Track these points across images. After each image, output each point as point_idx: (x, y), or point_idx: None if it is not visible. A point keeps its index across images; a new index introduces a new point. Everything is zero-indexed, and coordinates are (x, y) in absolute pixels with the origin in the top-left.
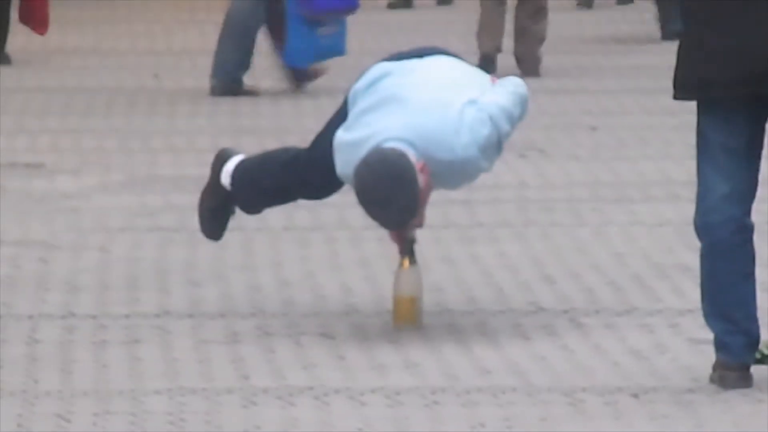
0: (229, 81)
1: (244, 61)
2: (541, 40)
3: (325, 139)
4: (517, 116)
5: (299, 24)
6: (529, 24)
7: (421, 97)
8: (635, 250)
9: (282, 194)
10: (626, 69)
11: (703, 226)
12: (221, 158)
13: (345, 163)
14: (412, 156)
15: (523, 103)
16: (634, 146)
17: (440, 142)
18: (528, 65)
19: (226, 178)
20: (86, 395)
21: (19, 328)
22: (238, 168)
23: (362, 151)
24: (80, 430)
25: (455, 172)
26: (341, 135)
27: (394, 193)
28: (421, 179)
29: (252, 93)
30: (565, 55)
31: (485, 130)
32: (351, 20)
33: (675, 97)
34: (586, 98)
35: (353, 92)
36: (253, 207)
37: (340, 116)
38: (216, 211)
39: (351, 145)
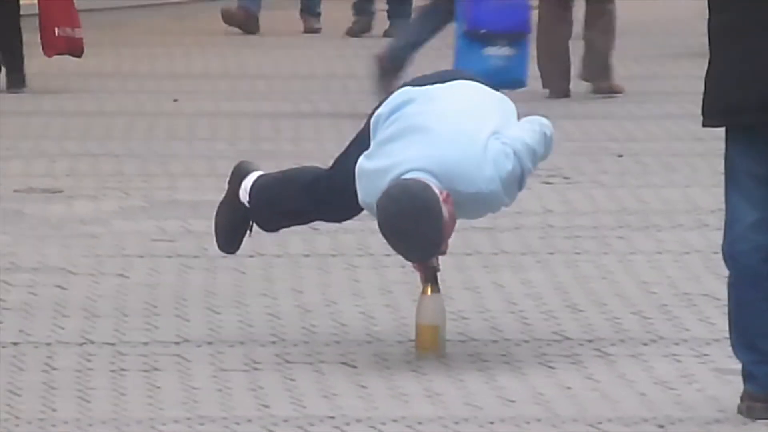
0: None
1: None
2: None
3: (345, 163)
4: (540, 155)
5: (466, 42)
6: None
7: (444, 127)
8: (661, 279)
9: (301, 216)
10: (652, 95)
11: (730, 255)
12: (239, 173)
13: (367, 192)
14: (435, 187)
15: (548, 144)
16: (660, 173)
17: (463, 174)
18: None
19: (244, 195)
20: (104, 424)
21: (37, 356)
22: (257, 186)
23: (385, 181)
24: None
25: (477, 205)
26: (363, 163)
27: (418, 225)
28: (446, 210)
29: None
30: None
31: (509, 165)
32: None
33: (704, 125)
34: (611, 124)
35: (375, 118)
36: (271, 226)
37: (361, 140)
38: (232, 226)
39: (373, 174)
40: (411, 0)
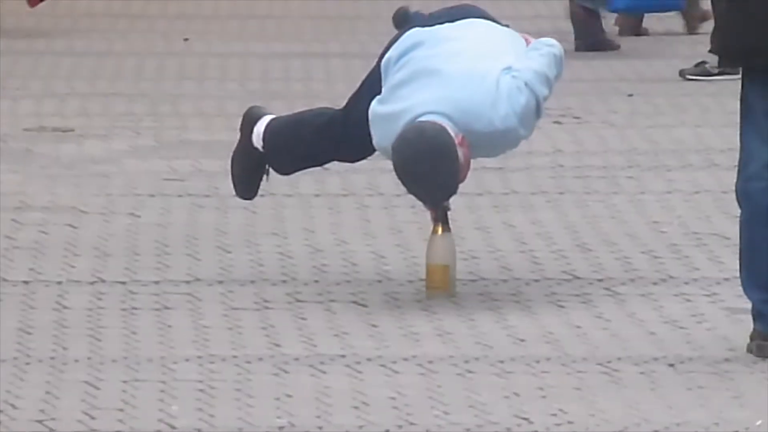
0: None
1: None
2: None
3: (358, 104)
4: (553, 77)
5: None
6: None
7: (455, 68)
8: (671, 218)
9: (316, 157)
10: (662, 35)
11: (743, 193)
12: (250, 118)
13: (382, 136)
14: (451, 130)
15: (558, 63)
16: (671, 113)
17: (478, 114)
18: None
19: (257, 140)
20: (115, 362)
21: (48, 295)
22: (270, 130)
23: (399, 124)
24: (109, 397)
25: (495, 143)
26: (376, 107)
27: (435, 168)
28: (461, 153)
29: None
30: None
31: (522, 98)
32: None
33: (719, 65)
34: (621, 65)
35: (385, 61)
36: (287, 169)
37: (372, 81)
38: (248, 172)
39: (387, 118)
40: None
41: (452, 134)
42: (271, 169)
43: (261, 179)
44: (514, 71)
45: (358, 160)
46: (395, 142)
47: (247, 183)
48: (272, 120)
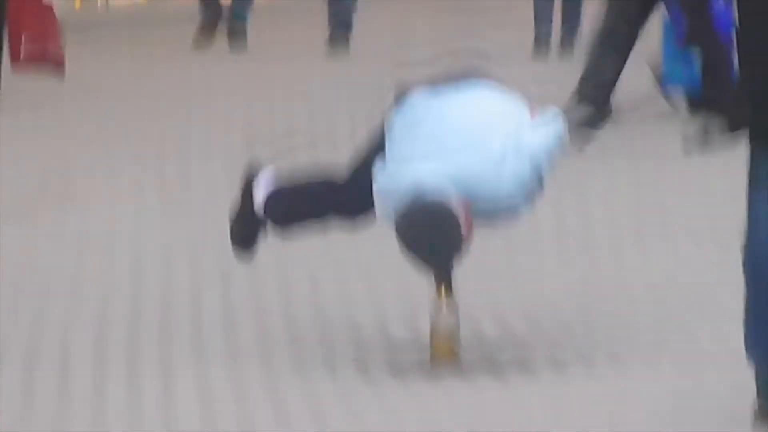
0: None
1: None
2: None
3: (361, 170)
4: (557, 153)
5: (676, 48)
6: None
7: (459, 137)
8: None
9: (317, 223)
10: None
11: (750, 263)
12: (249, 183)
13: (385, 206)
14: (454, 203)
15: (563, 140)
16: (678, 183)
17: (482, 186)
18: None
19: (258, 206)
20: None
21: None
22: (271, 197)
23: (403, 199)
24: None
25: (497, 211)
26: (380, 179)
27: (439, 243)
28: (464, 225)
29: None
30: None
31: (526, 172)
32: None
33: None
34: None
35: (390, 126)
36: (287, 232)
37: (376, 145)
38: (248, 234)
39: (390, 189)
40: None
41: (456, 205)
42: (270, 230)
43: (259, 241)
44: (519, 144)
45: (360, 222)
46: (398, 216)
47: (246, 245)
48: (273, 185)
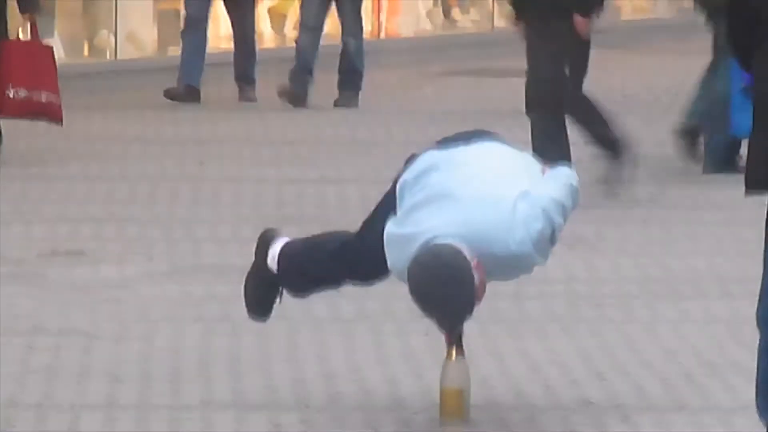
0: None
1: None
2: None
3: (372, 227)
4: (569, 208)
5: (744, 98)
6: None
7: (471, 192)
8: (686, 347)
9: (330, 281)
10: (675, 160)
11: (765, 321)
12: (265, 240)
13: (396, 258)
14: (466, 253)
15: (575, 194)
16: (685, 241)
17: (494, 238)
18: None
19: (272, 263)
20: None
21: (61, 419)
22: (284, 254)
23: (414, 247)
24: None
25: (510, 267)
26: (392, 229)
27: (450, 292)
28: (477, 277)
29: None
30: None
31: (539, 225)
32: (390, 109)
33: (746, 193)
34: (636, 190)
35: (401, 184)
36: (300, 291)
37: (387, 204)
38: (262, 293)
39: (402, 240)
40: (360, 73)
41: (468, 257)
42: (284, 291)
43: (274, 301)
44: (531, 197)
45: (372, 283)
46: (411, 265)
47: (260, 304)
48: (287, 243)
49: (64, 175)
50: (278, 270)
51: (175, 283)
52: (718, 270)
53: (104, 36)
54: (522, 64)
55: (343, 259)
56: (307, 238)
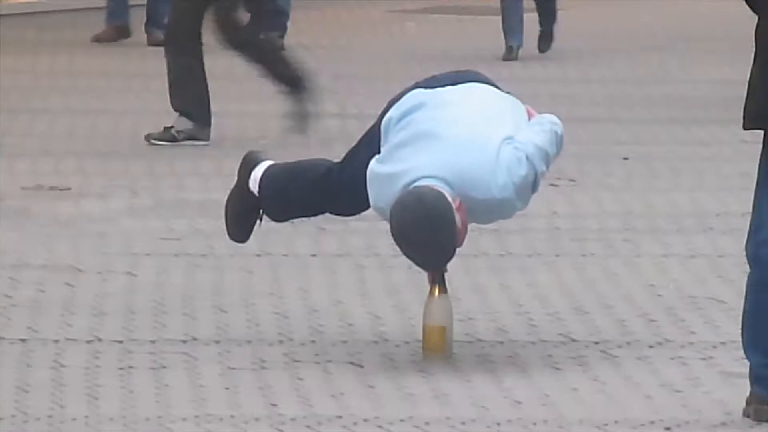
0: None
1: None
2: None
3: (355, 160)
4: (552, 155)
5: None
6: None
7: (456, 133)
8: (667, 282)
9: (310, 208)
10: (658, 98)
11: (754, 258)
12: (248, 163)
13: (379, 196)
14: (448, 195)
15: (559, 142)
16: (667, 177)
17: (476, 181)
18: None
19: (253, 185)
20: (112, 421)
21: (45, 353)
22: (267, 177)
23: (397, 186)
24: None
25: (490, 211)
26: (375, 167)
27: (432, 234)
28: (459, 219)
29: None
30: (596, 84)
31: (522, 170)
32: (379, 44)
33: (744, 127)
34: (617, 128)
35: (386, 121)
36: (281, 217)
37: (372, 138)
38: (243, 215)
39: (385, 178)
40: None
41: (450, 200)
42: (264, 215)
43: (254, 223)
44: (516, 142)
45: (351, 215)
46: (393, 208)
47: (240, 226)
48: (270, 167)
49: (47, 109)
50: (259, 193)
51: (159, 218)
52: (700, 205)
53: None
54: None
55: (325, 189)
56: (290, 164)
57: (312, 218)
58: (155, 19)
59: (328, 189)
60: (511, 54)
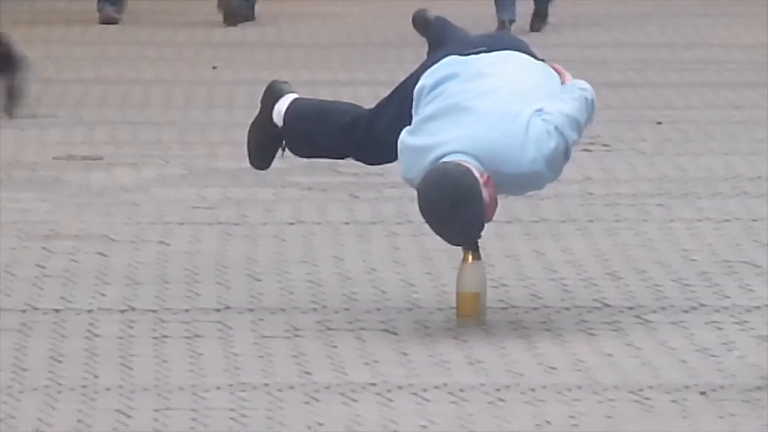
0: None
1: None
2: None
3: (385, 114)
4: (583, 122)
5: None
6: None
7: (487, 107)
8: (701, 247)
9: (334, 152)
10: (690, 62)
11: None
12: (273, 93)
13: (409, 166)
14: (476, 170)
15: (590, 108)
16: (699, 141)
17: (506, 156)
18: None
19: (277, 118)
20: (146, 391)
21: (79, 323)
22: (292, 112)
23: (426, 159)
24: (141, 425)
25: (521, 184)
26: (406, 138)
27: (459, 210)
28: (486, 194)
29: None
30: (628, 49)
31: (552, 143)
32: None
33: None
34: (649, 92)
35: (419, 88)
36: (303, 153)
37: (403, 98)
38: (264, 144)
39: (415, 150)
40: None
41: (477, 175)
42: (286, 147)
43: (276, 152)
44: (545, 114)
45: (375, 164)
46: (420, 184)
47: (262, 154)
48: (295, 101)
49: (79, 79)
50: (283, 128)
51: (191, 186)
52: (733, 169)
53: None
54: None
55: (352, 137)
56: (317, 104)
57: (345, 182)
58: None
59: (355, 138)
60: (502, 29)
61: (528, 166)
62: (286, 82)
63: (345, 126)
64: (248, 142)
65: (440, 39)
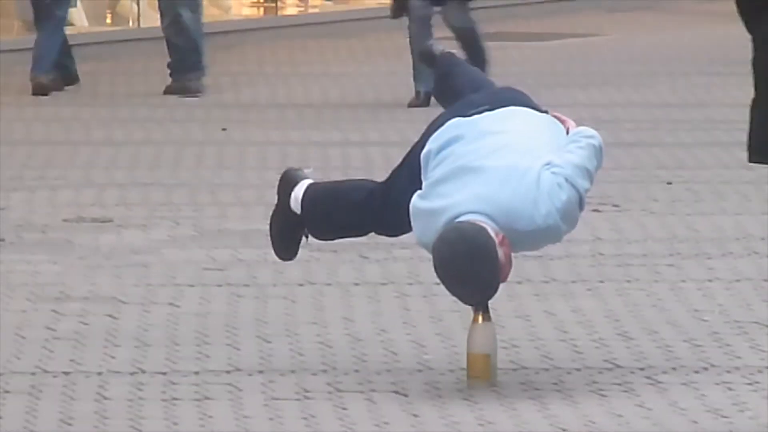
0: None
1: None
2: None
3: (397, 183)
4: (593, 169)
5: None
6: None
7: (496, 166)
8: (712, 307)
9: (355, 229)
10: (701, 122)
11: None
12: (288, 182)
13: (423, 232)
14: (491, 229)
15: (598, 155)
16: (711, 201)
17: (520, 212)
18: None
19: (295, 204)
20: None
21: (88, 385)
22: (308, 198)
23: (440, 222)
24: None
25: (537, 240)
26: (417, 202)
27: (474, 270)
28: (502, 253)
29: None
30: (638, 108)
31: (564, 195)
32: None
33: (750, 160)
34: (660, 151)
35: (426, 153)
36: (324, 236)
37: (412, 164)
38: (287, 233)
39: (428, 214)
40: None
41: (492, 235)
42: (308, 234)
43: (300, 240)
44: (554, 167)
45: (396, 235)
46: (435, 243)
47: (286, 244)
48: (310, 187)
49: (89, 140)
50: (302, 214)
51: (201, 248)
52: (744, 228)
53: (127, 4)
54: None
55: (368, 211)
56: (331, 185)
57: (355, 242)
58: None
59: (372, 212)
60: (418, 100)
61: (542, 221)
62: (299, 169)
63: (361, 201)
64: (270, 234)
65: (445, 86)
